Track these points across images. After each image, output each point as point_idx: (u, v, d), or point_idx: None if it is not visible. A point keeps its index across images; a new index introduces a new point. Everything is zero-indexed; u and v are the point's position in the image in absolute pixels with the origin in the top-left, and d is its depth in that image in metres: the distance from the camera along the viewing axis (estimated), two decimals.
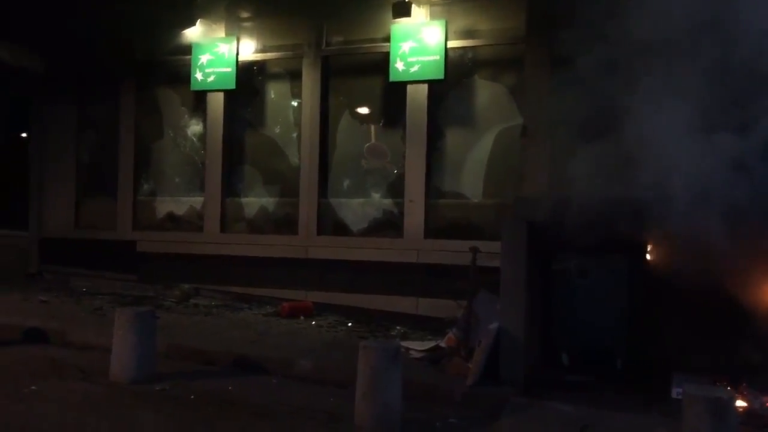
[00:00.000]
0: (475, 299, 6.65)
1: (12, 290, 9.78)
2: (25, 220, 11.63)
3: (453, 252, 8.41)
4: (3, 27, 10.27)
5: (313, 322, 8.60)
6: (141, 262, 10.53)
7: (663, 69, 5.73)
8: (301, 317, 8.82)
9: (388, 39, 9.25)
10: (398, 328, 8.45)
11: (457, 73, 9.08)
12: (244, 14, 10.16)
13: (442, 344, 6.82)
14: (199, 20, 10.15)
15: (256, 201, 10.20)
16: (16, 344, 7.09)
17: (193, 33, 10.32)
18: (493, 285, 6.70)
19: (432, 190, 9.08)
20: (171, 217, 10.71)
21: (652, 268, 6.33)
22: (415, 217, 9.04)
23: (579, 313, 6.57)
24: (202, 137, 10.52)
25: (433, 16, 9.07)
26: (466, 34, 9.07)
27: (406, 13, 8.83)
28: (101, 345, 6.63)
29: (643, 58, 5.85)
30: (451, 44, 8.98)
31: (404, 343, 7.33)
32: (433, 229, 9.01)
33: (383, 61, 9.26)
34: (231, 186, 10.29)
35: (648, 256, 6.41)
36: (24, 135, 14.52)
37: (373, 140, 9.65)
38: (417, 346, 7.09)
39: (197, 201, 10.48)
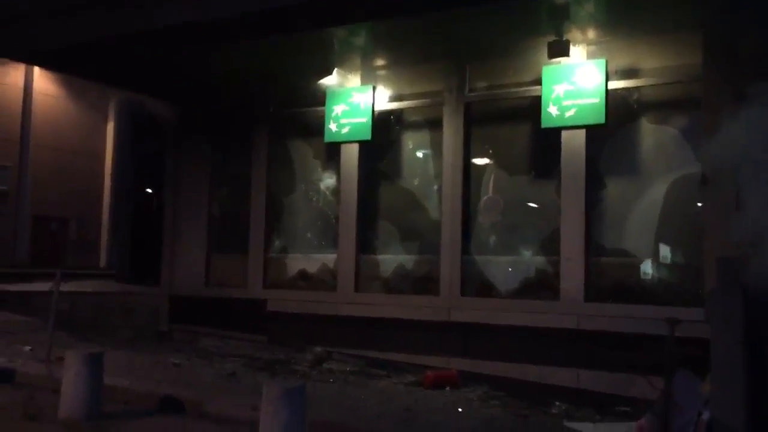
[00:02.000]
0: (673, 380, 5.59)
1: (144, 350, 9.55)
2: (155, 276, 11.52)
3: (620, 318, 7.47)
4: (143, 82, 10.37)
5: (462, 395, 7.74)
6: (271, 322, 10.07)
7: None
8: (447, 388, 8.00)
9: (538, 82, 8.48)
10: (557, 403, 7.49)
11: (619, 116, 8.18)
12: (381, 62, 9.69)
13: None
14: (335, 70, 9.75)
15: (393, 258, 9.54)
16: (151, 414, 6.67)
17: (328, 83, 9.95)
18: (682, 360, 5.70)
19: (593, 247, 8.10)
20: (303, 275, 10.21)
21: None
22: (573, 277, 8.07)
23: None
24: (336, 191, 10.05)
25: (590, 55, 8.25)
26: (629, 73, 8.17)
27: (564, 52, 7.95)
28: (240, 418, 6.20)
29: None
30: (612, 85, 8.11)
31: (572, 425, 6.39)
32: (596, 292, 8.01)
33: (533, 106, 8.49)
34: (366, 242, 9.70)
35: None
36: (150, 191, 14.75)
37: (490, 193, 8.99)
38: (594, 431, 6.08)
39: (330, 258, 9.95)
